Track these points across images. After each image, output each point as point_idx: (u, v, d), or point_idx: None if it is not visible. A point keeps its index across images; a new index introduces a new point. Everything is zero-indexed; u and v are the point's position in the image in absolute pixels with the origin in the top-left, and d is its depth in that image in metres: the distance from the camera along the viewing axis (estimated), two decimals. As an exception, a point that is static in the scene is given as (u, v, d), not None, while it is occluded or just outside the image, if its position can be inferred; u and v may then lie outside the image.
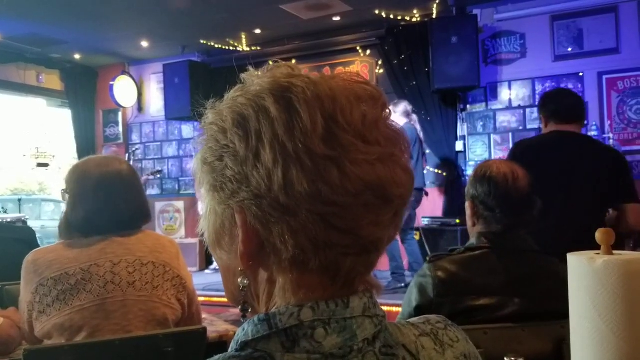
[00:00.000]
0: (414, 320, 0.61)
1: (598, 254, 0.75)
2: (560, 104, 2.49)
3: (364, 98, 0.51)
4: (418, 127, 4.85)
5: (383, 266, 5.27)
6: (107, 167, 1.52)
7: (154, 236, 1.57)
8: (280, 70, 0.53)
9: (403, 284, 4.66)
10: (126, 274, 1.44)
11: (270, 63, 0.55)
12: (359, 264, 0.51)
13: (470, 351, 0.61)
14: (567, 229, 2.18)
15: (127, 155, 6.85)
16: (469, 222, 1.57)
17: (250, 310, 0.55)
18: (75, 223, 1.48)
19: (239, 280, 0.54)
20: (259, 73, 0.54)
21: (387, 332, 0.53)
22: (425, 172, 5.73)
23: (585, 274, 0.72)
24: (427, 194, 5.05)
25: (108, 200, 1.48)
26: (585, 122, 5.08)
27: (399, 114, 4.74)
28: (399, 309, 1.59)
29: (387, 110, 0.53)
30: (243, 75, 0.55)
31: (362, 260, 0.51)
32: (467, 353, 0.60)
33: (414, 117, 4.93)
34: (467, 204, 1.54)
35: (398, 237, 4.73)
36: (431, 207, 5.70)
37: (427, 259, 1.48)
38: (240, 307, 0.55)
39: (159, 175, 6.89)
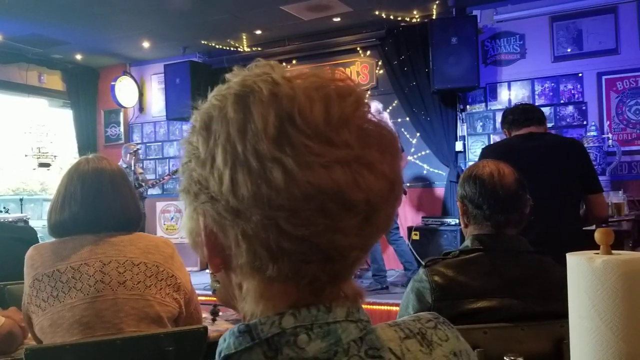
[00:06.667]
0: (405, 318, 0.59)
1: (597, 253, 0.75)
2: (516, 112, 2.62)
3: (332, 96, 0.48)
4: (389, 123, 4.91)
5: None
6: (96, 169, 1.52)
7: (146, 238, 1.56)
8: (256, 70, 0.51)
9: (384, 286, 4.67)
10: (116, 274, 1.44)
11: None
12: (323, 273, 0.49)
13: (461, 348, 0.59)
14: (540, 225, 2.21)
15: (128, 155, 6.84)
16: (461, 223, 1.58)
17: (220, 314, 0.57)
18: (61, 222, 1.49)
19: (210, 283, 0.54)
20: (238, 72, 0.52)
21: (373, 335, 0.52)
22: (422, 171, 5.77)
23: (584, 273, 0.72)
24: (405, 193, 5.17)
25: (91, 202, 1.48)
26: (585, 123, 5.09)
27: None
28: (397, 309, 1.59)
29: (365, 108, 0.50)
30: (227, 75, 0.53)
31: (327, 269, 0.48)
32: (458, 351, 0.58)
33: (385, 115, 5.01)
34: (458, 205, 1.56)
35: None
36: (431, 207, 5.71)
37: (423, 263, 1.48)
38: (211, 308, 0.56)
39: (175, 175, 6.85)
